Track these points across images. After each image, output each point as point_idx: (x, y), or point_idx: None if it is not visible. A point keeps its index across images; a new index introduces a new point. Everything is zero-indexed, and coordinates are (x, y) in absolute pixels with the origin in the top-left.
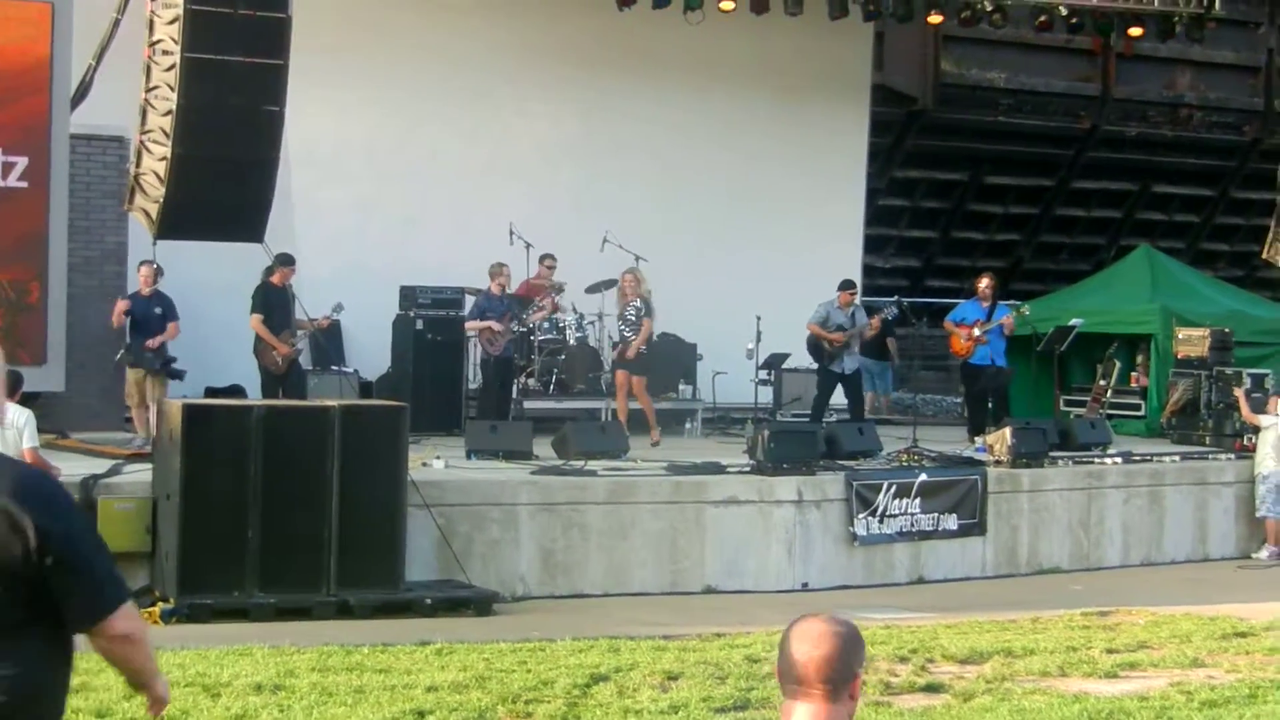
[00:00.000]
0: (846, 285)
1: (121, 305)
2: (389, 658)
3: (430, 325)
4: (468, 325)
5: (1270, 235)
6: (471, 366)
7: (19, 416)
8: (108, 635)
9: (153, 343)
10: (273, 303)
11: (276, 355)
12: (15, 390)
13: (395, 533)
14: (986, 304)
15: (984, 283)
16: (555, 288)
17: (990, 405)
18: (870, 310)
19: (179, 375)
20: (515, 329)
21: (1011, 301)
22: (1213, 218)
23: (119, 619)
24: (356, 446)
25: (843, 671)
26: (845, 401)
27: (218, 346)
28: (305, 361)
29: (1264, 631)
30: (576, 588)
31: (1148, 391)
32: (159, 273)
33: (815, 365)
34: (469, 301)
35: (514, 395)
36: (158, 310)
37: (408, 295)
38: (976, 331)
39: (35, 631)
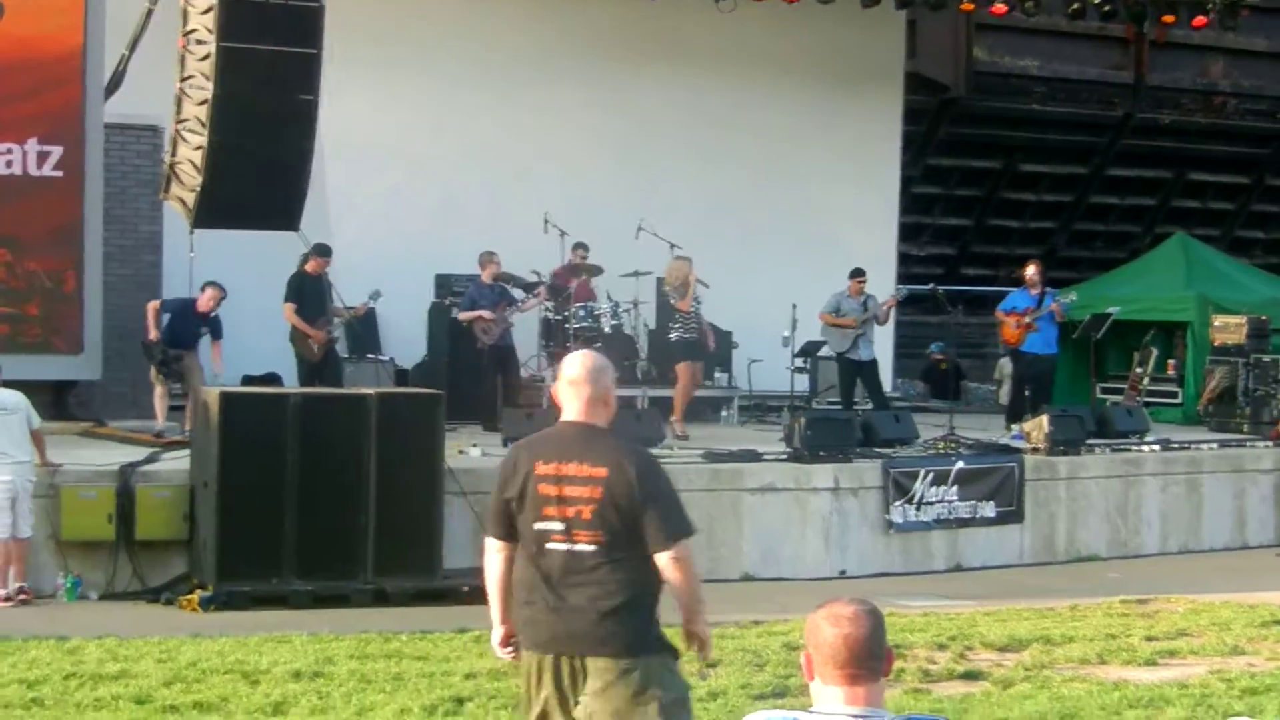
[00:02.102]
0: (856, 273)
1: (153, 310)
2: (427, 645)
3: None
4: (460, 316)
5: None
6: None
7: (19, 399)
8: (669, 558)
9: (217, 368)
10: (306, 291)
11: (312, 343)
12: None
13: (432, 520)
14: (1035, 291)
15: (1030, 270)
16: (589, 271)
17: (1027, 393)
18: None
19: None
20: (509, 319)
21: (1050, 290)
22: (1248, 205)
23: (679, 548)
24: (393, 434)
25: (881, 648)
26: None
27: (254, 335)
28: (342, 350)
29: None
30: None
31: (1184, 379)
32: (224, 297)
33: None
34: (519, 292)
35: (549, 382)
36: (203, 330)
37: (443, 284)
38: (1027, 319)
39: (638, 550)
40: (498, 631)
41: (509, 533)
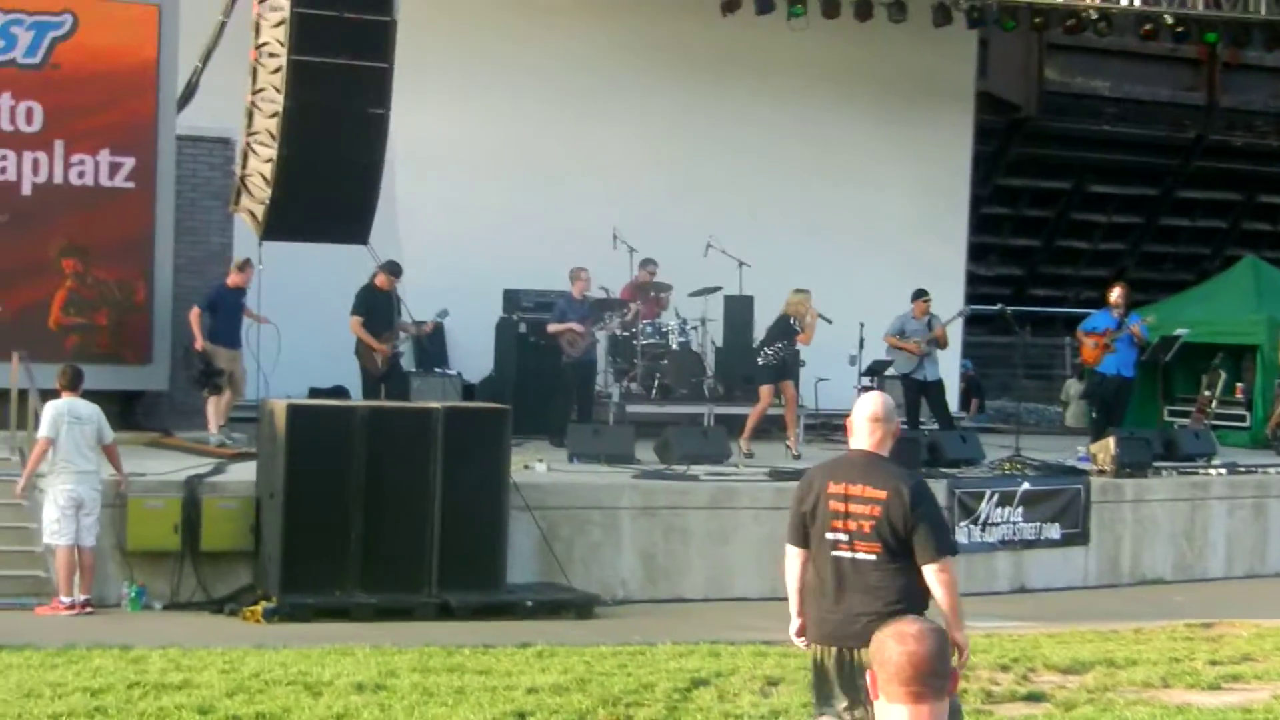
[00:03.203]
0: (920, 294)
1: (195, 316)
2: (490, 659)
3: (533, 329)
4: (550, 328)
5: None
6: None
7: (93, 411)
8: (934, 570)
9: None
10: (374, 305)
11: (376, 356)
12: (77, 385)
13: (497, 535)
14: (1118, 313)
15: (1116, 292)
16: (658, 289)
17: (1095, 414)
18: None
19: (218, 388)
20: (595, 334)
21: (1133, 313)
22: None
23: (943, 563)
24: (459, 448)
25: (946, 667)
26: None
27: (320, 347)
28: (408, 363)
29: None
30: (677, 592)
31: (1252, 402)
32: (252, 273)
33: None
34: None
35: (616, 399)
36: (244, 301)
37: (511, 299)
38: (1106, 339)
39: (909, 561)
40: (795, 623)
41: (804, 540)
